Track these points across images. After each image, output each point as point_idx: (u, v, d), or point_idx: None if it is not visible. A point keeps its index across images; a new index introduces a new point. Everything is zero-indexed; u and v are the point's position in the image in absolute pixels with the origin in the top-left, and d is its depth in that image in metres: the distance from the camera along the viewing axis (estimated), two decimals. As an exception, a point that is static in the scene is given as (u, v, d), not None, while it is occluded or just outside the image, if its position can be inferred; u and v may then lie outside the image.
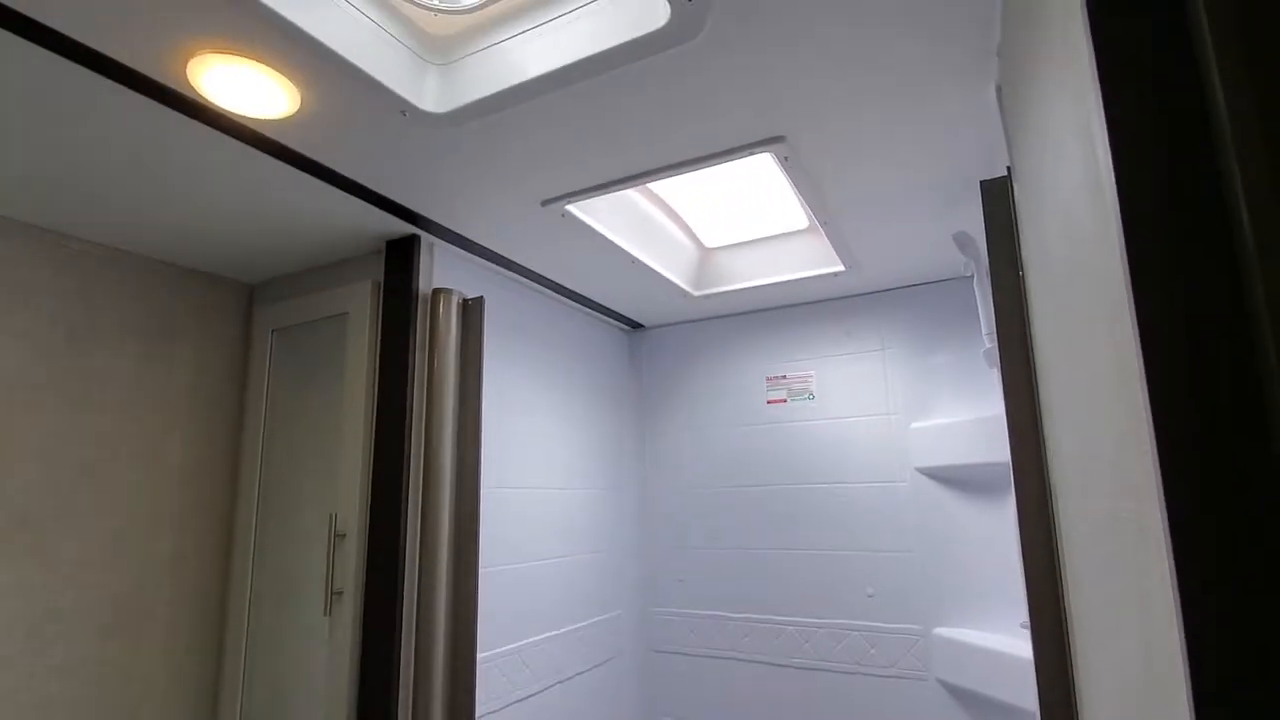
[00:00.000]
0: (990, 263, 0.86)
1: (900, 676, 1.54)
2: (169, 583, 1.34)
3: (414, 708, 1.12)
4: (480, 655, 1.26)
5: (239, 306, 1.53)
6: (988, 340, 1.30)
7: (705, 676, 1.74)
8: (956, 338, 1.61)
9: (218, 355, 1.48)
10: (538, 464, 1.58)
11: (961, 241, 1.34)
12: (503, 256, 1.43)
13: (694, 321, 1.97)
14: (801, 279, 1.60)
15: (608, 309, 1.85)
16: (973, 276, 1.39)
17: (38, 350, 1.20)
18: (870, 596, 1.60)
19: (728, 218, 1.56)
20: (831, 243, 1.41)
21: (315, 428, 1.37)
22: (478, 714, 1.18)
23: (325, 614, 1.23)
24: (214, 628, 1.40)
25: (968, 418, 1.53)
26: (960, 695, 1.46)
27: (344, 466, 1.26)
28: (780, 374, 1.82)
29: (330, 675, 1.19)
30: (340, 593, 1.22)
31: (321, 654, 1.22)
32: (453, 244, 1.32)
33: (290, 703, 1.28)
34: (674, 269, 1.62)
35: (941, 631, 1.50)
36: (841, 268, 1.53)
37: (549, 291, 1.64)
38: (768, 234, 1.62)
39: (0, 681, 1.10)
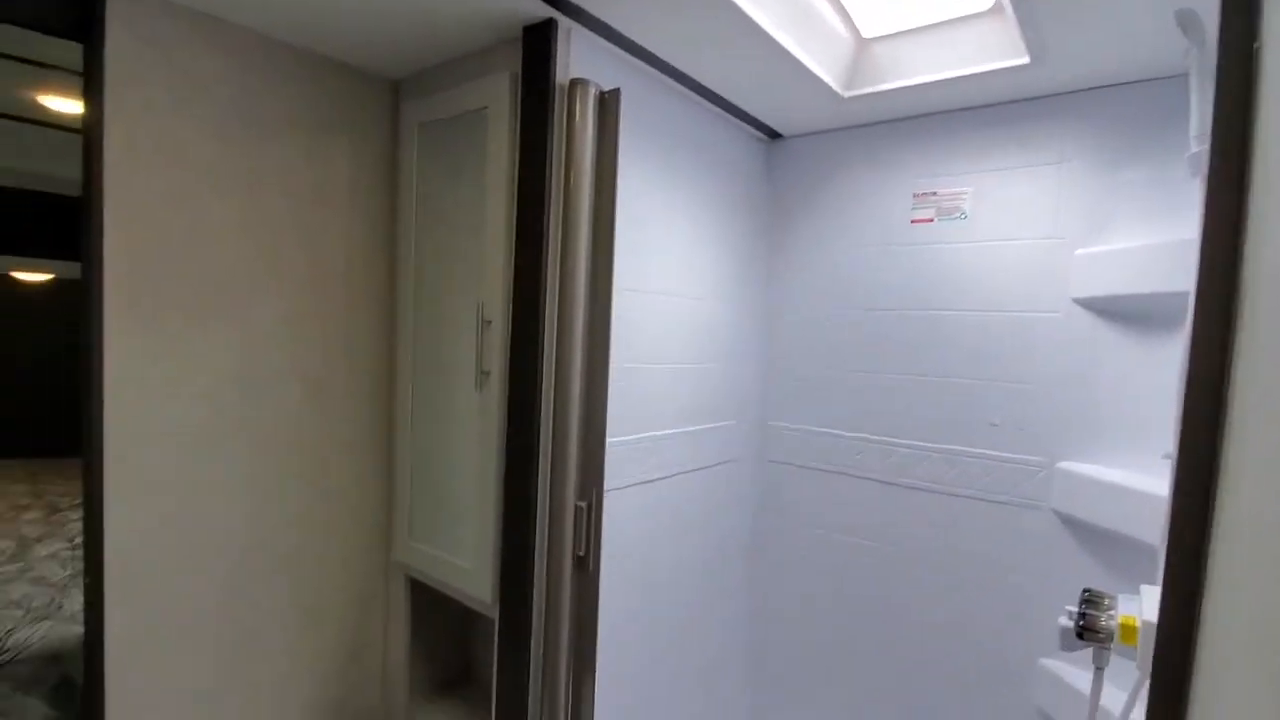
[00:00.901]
0: (1220, 42, 0.70)
1: (1013, 504, 1.54)
2: (344, 360, 1.55)
3: (552, 474, 1.28)
4: (607, 440, 1.39)
5: (387, 102, 1.58)
6: (1195, 144, 1.10)
7: (814, 488, 1.84)
8: (1152, 150, 1.37)
9: (370, 150, 1.56)
10: (667, 269, 1.60)
11: (1186, 21, 1.09)
12: (640, 46, 1.34)
13: (836, 131, 1.81)
14: (974, 75, 1.40)
15: (746, 114, 1.74)
16: (1188, 74, 1.15)
17: (220, 138, 1.32)
18: (994, 426, 1.57)
19: (894, -2, 1.36)
20: (1020, 25, 1.20)
21: (461, 219, 1.45)
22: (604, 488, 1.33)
23: (476, 390, 1.39)
24: (384, 399, 1.63)
25: (1147, 242, 1.35)
26: (1074, 525, 1.45)
27: (488, 257, 1.35)
28: (930, 190, 1.67)
29: (482, 440, 1.38)
30: (488, 373, 1.36)
31: (474, 424, 1.40)
32: (589, 29, 1.26)
33: (449, 464, 1.50)
34: (825, 64, 1.46)
35: (1066, 465, 1.46)
36: (1026, 59, 1.31)
37: (686, 91, 1.55)
38: (940, 19, 1.40)
39: (218, 426, 1.36)
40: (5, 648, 1.51)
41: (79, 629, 1.50)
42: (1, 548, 2.00)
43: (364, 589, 1.63)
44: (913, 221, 1.70)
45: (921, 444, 1.67)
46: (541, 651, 1.30)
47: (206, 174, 1.31)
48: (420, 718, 1.67)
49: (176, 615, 1.30)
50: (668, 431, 1.63)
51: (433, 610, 1.71)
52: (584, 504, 1.26)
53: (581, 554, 1.26)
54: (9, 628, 1.55)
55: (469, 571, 1.41)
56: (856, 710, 1.79)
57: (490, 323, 1.35)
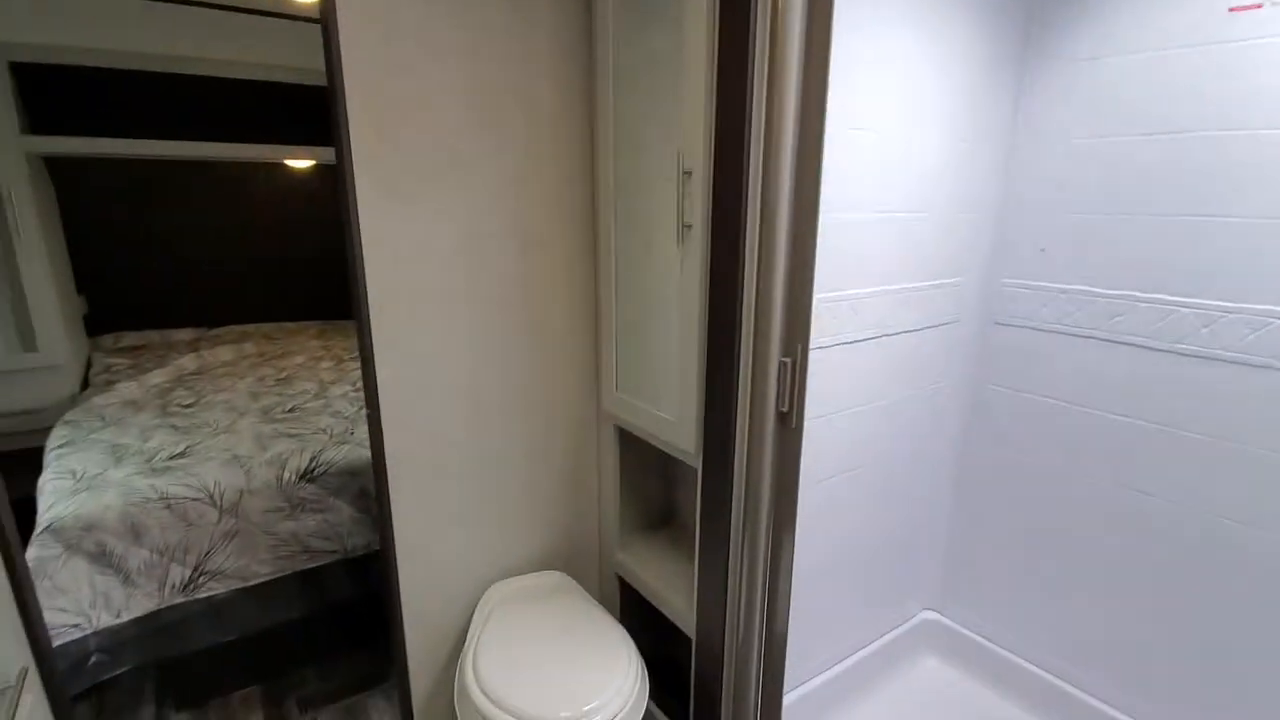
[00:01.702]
0: None
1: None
2: (556, 218, 1.61)
3: (755, 328, 1.25)
4: (814, 296, 1.31)
5: (579, -58, 1.50)
6: None
7: (1051, 355, 1.61)
8: None
9: (570, 7, 1.52)
10: (890, 100, 1.40)
11: None
12: None
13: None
14: None
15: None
16: None
17: (435, 9, 1.36)
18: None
19: None
20: None
21: (659, 64, 1.37)
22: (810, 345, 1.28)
23: (678, 244, 1.37)
24: (590, 255, 1.68)
25: None
26: None
27: (687, 99, 1.27)
28: (1269, -39, 1.23)
29: (684, 294, 1.38)
30: (689, 226, 1.33)
31: (675, 278, 1.40)
32: None
33: (652, 318, 1.53)
34: None
35: None
36: None
37: None
38: None
39: (451, 280, 1.50)
40: (319, 462, 1.89)
41: (366, 452, 1.83)
42: (307, 388, 2.45)
43: (578, 433, 1.79)
44: (1231, 10, 1.28)
45: (1212, 302, 1.36)
46: (743, 504, 1.35)
47: (428, 45, 1.36)
48: (629, 547, 1.86)
49: (433, 445, 1.54)
50: (879, 289, 1.50)
51: (639, 455, 1.84)
52: (788, 360, 1.22)
53: (784, 410, 1.25)
54: (319, 448, 1.90)
55: (672, 423, 1.48)
56: (1061, 604, 1.65)
57: (690, 173, 1.30)
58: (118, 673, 1.73)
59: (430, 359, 1.50)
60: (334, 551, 1.96)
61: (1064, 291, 1.56)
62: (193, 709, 1.99)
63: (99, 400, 2.43)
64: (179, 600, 1.76)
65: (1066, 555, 1.66)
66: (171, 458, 1.93)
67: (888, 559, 1.75)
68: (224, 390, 2.51)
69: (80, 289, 3.23)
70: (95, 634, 1.65)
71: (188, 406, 2.37)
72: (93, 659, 1.69)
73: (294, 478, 1.89)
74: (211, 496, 1.79)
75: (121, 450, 1.97)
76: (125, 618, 1.68)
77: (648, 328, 1.54)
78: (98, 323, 3.35)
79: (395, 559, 1.55)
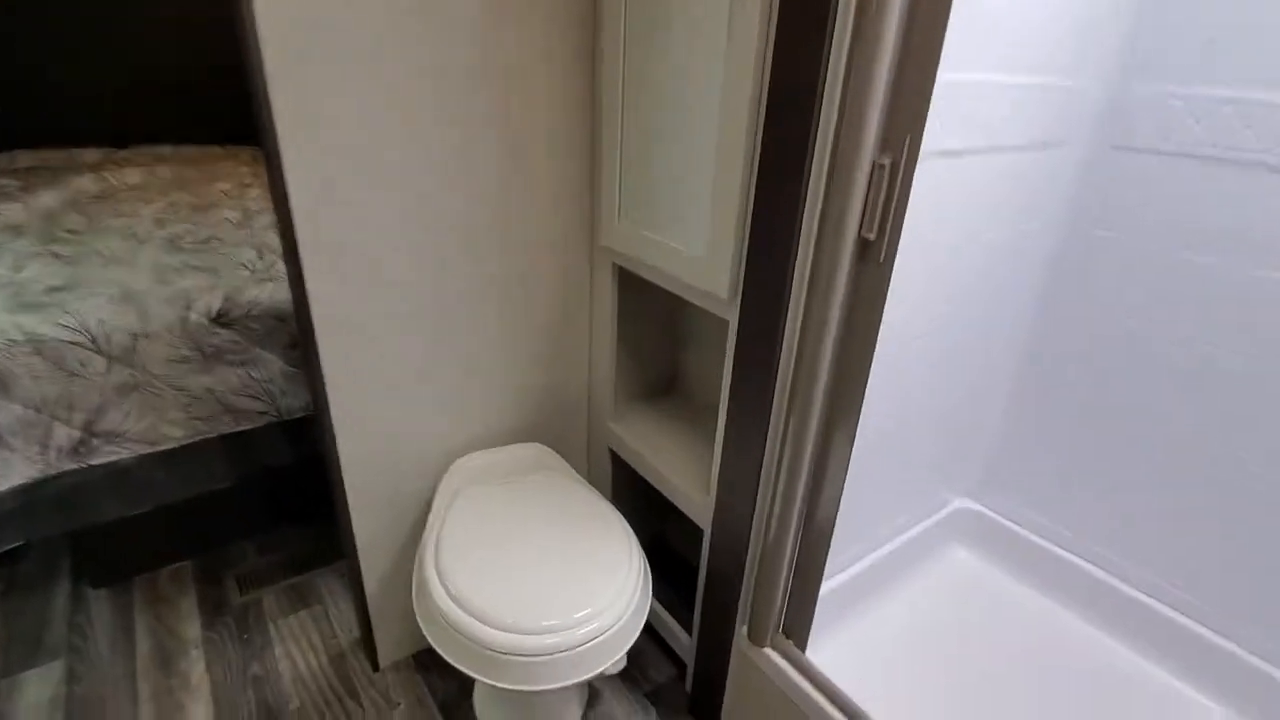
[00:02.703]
0: None
1: None
2: (540, 21, 1.13)
3: (841, 113, 0.84)
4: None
5: None
6: None
7: (1194, 193, 1.23)
8: None
9: None
10: None
11: None
12: None
13: None
14: None
15: None
16: None
17: None
18: None
19: None
20: None
21: None
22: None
23: (725, -14, 0.92)
24: (587, 23, 1.21)
25: None
26: None
27: None
28: None
29: (730, 69, 0.94)
30: (747, -49, 0.88)
31: (716, 48, 0.96)
32: None
33: (678, 108, 1.10)
34: None
35: None
36: None
37: None
38: None
39: (389, 55, 1.04)
40: (236, 303, 1.49)
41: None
42: (229, 216, 2.00)
43: (567, 275, 1.40)
44: None
45: None
46: (791, 369, 1.00)
47: None
48: (625, 418, 1.54)
49: (374, 286, 1.15)
50: (981, 78, 1.08)
51: (641, 305, 1.47)
52: (886, 161, 0.83)
53: (870, 236, 0.87)
54: (237, 285, 1.50)
55: (699, 260, 1.09)
56: (1122, 496, 1.39)
57: None
58: (6, 548, 1.43)
59: (365, 164, 1.07)
60: (264, 413, 1.61)
61: (1233, 102, 1.15)
62: (114, 586, 1.72)
63: (-37, 222, 1.95)
64: (70, 466, 1.42)
65: (1142, 441, 1.38)
66: (48, 291, 1.51)
67: (933, 439, 1.46)
68: (125, 216, 2.04)
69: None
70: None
71: (77, 233, 1.91)
72: (-37, 533, 1.37)
73: (204, 320, 1.50)
74: (94, 340, 1.40)
75: (-22, 281, 1.54)
76: (1, 486, 1.35)
77: (669, 130, 1.12)
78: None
79: (331, 426, 1.21)
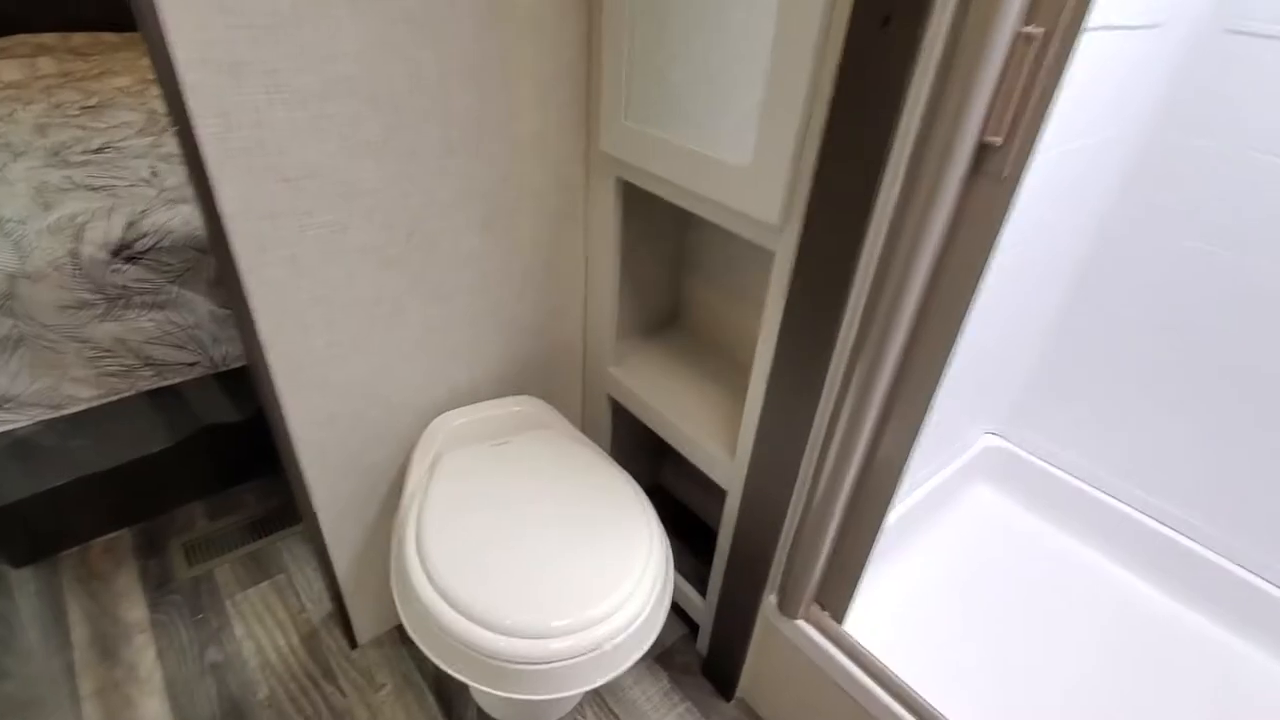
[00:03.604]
0: None
1: None
2: None
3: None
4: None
5: None
6: None
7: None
8: None
9: None
10: None
11: None
12: None
13: None
14: None
15: None
16: None
17: None
18: None
19: None
20: None
21: None
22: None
23: None
24: None
25: None
26: None
27: None
28: None
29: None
30: None
31: None
32: None
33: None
34: None
35: None
36: None
37: None
38: None
39: None
40: (143, 230, 1.19)
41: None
42: (129, 120, 1.64)
43: (558, 188, 1.14)
44: None
45: None
46: (860, 305, 0.80)
47: None
48: (627, 360, 1.33)
49: (313, 197, 0.88)
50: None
51: (642, 224, 1.24)
52: (1038, 32, 0.59)
53: (996, 140, 0.64)
54: (142, 208, 1.19)
55: (739, 172, 0.85)
56: (1162, 432, 1.27)
57: None
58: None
59: (287, 21, 0.77)
60: (194, 364, 1.35)
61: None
62: (38, 563, 1.49)
63: None
64: (-54, 439, 1.15)
65: (1190, 374, 1.24)
66: (-113, 220, 1.18)
67: (973, 371, 1.30)
68: (2, 119, 1.66)
69: None
70: None
71: (-68, 143, 1.54)
72: None
73: (101, 253, 1.20)
74: (-42, 284, 1.10)
75: None
76: None
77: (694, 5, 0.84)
78: None
79: (270, 379, 0.96)
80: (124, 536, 1.56)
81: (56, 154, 1.47)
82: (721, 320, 1.37)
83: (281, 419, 1.00)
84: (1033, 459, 1.53)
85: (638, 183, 1.06)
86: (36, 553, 1.48)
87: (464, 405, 1.20)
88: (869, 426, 0.86)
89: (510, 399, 1.22)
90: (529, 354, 1.27)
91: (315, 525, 1.14)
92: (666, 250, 1.36)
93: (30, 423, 1.22)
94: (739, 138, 0.84)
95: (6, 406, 1.19)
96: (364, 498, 1.16)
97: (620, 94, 1.00)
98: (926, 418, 0.83)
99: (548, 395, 1.33)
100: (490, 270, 1.12)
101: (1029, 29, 0.59)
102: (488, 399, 1.23)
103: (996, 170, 0.65)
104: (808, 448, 0.93)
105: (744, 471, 1.05)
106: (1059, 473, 1.50)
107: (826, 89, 0.72)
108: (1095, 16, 0.69)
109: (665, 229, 1.32)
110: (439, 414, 1.17)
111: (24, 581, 1.45)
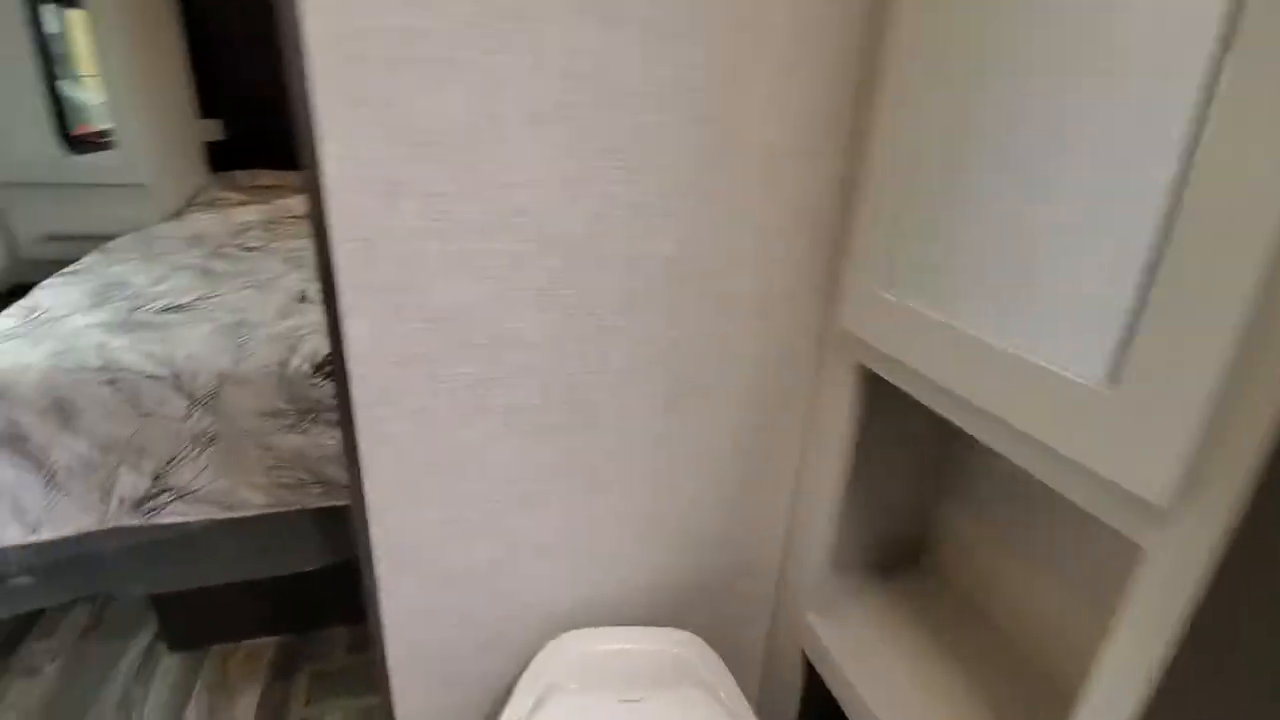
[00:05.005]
0: None
1: None
2: None
3: None
4: None
5: None
6: None
7: None
8: None
9: None
10: None
11: None
12: None
13: None
14: None
15: None
16: None
17: None
18: None
19: None
20: None
21: None
22: None
23: None
24: None
25: None
26: None
27: None
28: None
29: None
30: None
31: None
32: None
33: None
34: None
35: None
36: None
37: None
38: None
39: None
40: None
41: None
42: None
43: (780, 368, 0.85)
44: None
45: None
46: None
47: None
48: (836, 607, 0.94)
49: (469, 354, 0.70)
50: None
51: (888, 432, 0.88)
52: None
53: None
54: None
55: (1085, 395, 0.48)
56: None
57: None
58: (47, 605, 1.21)
59: (460, 139, 0.63)
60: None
61: None
62: (189, 651, 1.47)
63: (164, 229, 1.94)
64: (131, 522, 1.17)
65: None
66: (165, 310, 1.32)
67: None
68: (303, 238, 1.93)
69: (216, 113, 2.83)
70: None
71: (251, 250, 1.81)
72: (15, 580, 1.16)
73: (306, 366, 1.19)
74: (178, 377, 1.15)
75: (114, 291, 1.40)
76: (45, 535, 1.12)
77: (1035, 104, 0.53)
78: (238, 155, 2.96)
79: (371, 556, 0.77)
80: (268, 646, 1.49)
81: (323, 267, 1.60)
82: (996, 578, 0.92)
83: (375, 604, 0.80)
84: None
85: (893, 379, 0.73)
86: (191, 642, 1.47)
87: (601, 624, 0.90)
88: None
89: (662, 631, 0.89)
90: (699, 572, 0.94)
91: (396, 732, 0.90)
92: (918, 463, 0.97)
93: (201, 519, 1.21)
94: (1087, 340, 0.48)
95: (186, 498, 1.19)
96: (453, 711, 0.90)
97: (881, 255, 0.70)
98: None
99: (715, 633, 0.98)
100: (666, 459, 0.85)
101: None
102: (633, 621, 0.92)
103: None
104: None
105: None
106: None
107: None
108: None
109: (920, 433, 0.95)
110: (568, 628, 0.89)
111: (170, 669, 1.42)
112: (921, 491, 1.01)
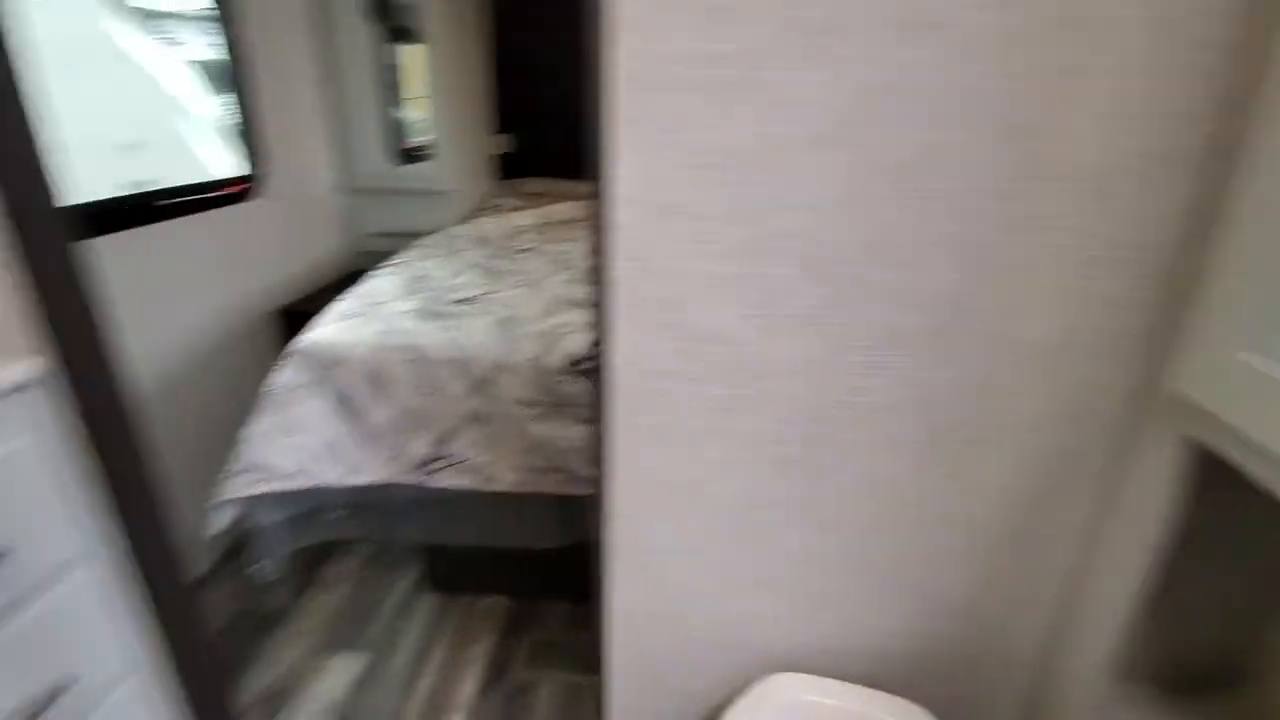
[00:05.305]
0: None
1: None
2: None
3: None
4: None
5: None
6: None
7: None
8: None
9: None
10: None
11: None
12: None
13: None
14: None
15: None
16: None
17: None
18: None
19: None
20: None
21: None
22: None
23: None
24: None
25: None
26: None
27: None
28: None
29: None
30: None
31: None
32: None
33: None
34: None
35: None
36: None
37: None
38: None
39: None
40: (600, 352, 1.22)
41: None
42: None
43: (1076, 431, 0.73)
44: None
45: None
46: None
47: None
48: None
49: (720, 376, 0.71)
50: None
51: (1213, 525, 0.70)
52: None
53: None
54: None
55: None
56: None
57: None
58: (347, 538, 1.48)
59: (742, 163, 0.63)
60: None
61: None
62: (443, 594, 1.70)
63: (459, 230, 2.27)
64: (410, 480, 1.38)
65: None
66: (457, 302, 1.54)
67: None
68: (568, 241, 2.11)
69: (508, 128, 3.23)
70: (316, 490, 1.37)
71: (524, 251, 2.03)
72: (330, 514, 1.44)
73: (562, 363, 1.30)
74: (465, 363, 1.32)
75: (420, 283, 1.67)
76: (357, 480, 1.37)
77: None
78: (522, 166, 3.36)
79: (607, 557, 0.81)
80: (501, 605, 1.67)
81: (588, 274, 1.74)
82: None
83: (605, 598, 0.84)
84: None
85: (1243, 462, 0.58)
86: (447, 586, 1.69)
87: (817, 672, 0.85)
88: None
89: (887, 700, 0.81)
90: (935, 641, 0.84)
91: (607, 725, 0.94)
92: (1248, 565, 0.76)
93: (466, 487, 1.38)
94: None
95: (456, 466, 1.37)
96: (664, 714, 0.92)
97: (1246, 308, 0.56)
98: None
99: (948, 717, 0.86)
100: (915, 509, 0.77)
101: None
102: (851, 678, 0.85)
103: None
104: None
105: None
106: None
107: None
108: None
109: (1257, 531, 0.74)
110: (782, 668, 0.85)
111: (426, 608, 1.66)
112: (1251, 601, 0.79)
